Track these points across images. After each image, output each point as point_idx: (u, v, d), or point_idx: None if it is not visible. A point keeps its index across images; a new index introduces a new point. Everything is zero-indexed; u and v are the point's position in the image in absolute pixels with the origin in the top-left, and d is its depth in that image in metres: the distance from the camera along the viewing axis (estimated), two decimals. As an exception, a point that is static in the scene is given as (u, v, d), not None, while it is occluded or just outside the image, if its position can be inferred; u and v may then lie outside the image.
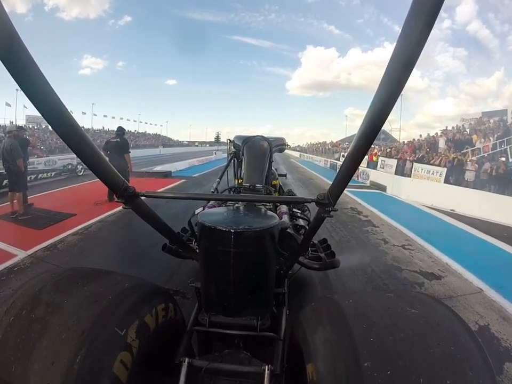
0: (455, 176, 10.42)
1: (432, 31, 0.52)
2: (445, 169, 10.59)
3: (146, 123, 59.17)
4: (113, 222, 5.22)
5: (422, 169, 11.54)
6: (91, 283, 1.09)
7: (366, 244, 4.55)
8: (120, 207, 5.86)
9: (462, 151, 12.65)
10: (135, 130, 50.96)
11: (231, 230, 1.20)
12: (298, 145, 53.32)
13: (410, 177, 11.44)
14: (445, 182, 9.98)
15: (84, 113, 42.22)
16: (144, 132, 53.36)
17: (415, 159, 13.17)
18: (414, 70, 0.60)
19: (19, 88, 0.63)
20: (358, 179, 13.42)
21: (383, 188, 10.73)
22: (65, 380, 0.80)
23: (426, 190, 8.91)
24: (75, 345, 0.86)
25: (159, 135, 57.95)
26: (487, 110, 18.28)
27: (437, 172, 10.69)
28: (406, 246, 4.48)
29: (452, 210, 7.46)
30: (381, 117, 0.66)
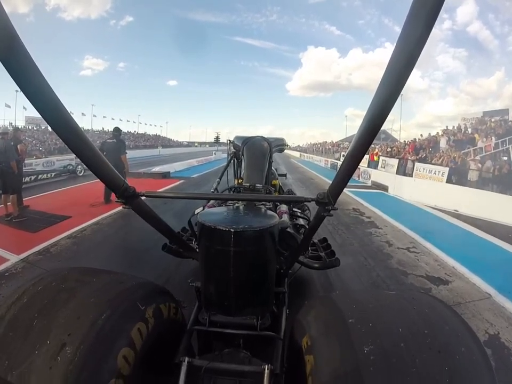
0: (457, 176, 10.29)
1: (432, 32, 0.53)
2: (447, 169, 10.44)
3: (146, 124, 59.11)
4: (108, 225, 5.10)
5: (424, 168, 11.40)
6: (91, 282, 1.09)
7: (370, 246, 4.43)
8: (116, 209, 5.86)
9: (463, 151, 12.53)
10: (135, 131, 50.84)
11: (231, 230, 1.20)
12: (299, 145, 53.35)
13: (412, 177, 11.32)
14: (447, 182, 9.84)
15: (83, 114, 42.09)
16: (144, 132, 53.20)
17: (417, 158, 13.05)
18: (415, 70, 0.60)
19: (18, 89, 0.63)
20: (359, 179, 13.29)
21: (385, 188, 10.61)
22: (65, 378, 0.81)
23: (428, 190, 8.78)
24: (76, 345, 0.86)
25: (159, 135, 57.82)
26: (487, 109, 18.16)
27: (439, 172, 10.55)
28: (411, 249, 4.34)
29: (455, 210, 7.33)
30: (380, 116, 0.66)
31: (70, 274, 1.13)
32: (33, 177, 9.09)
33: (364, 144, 0.75)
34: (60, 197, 7.28)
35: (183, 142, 67.86)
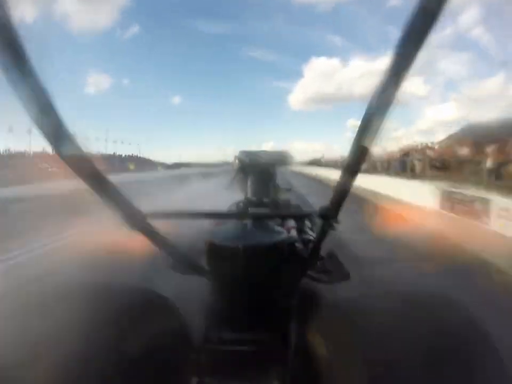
0: None
1: (433, 37, 0.52)
2: None
3: (147, 147, 57.29)
4: None
5: None
6: (91, 295, 1.06)
7: None
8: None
9: None
10: (136, 155, 49.53)
11: (239, 246, 1.21)
12: (313, 158, 50.94)
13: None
14: None
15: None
16: (147, 157, 51.63)
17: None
18: (416, 77, 0.35)
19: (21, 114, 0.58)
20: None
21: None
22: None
23: None
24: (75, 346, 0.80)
25: (162, 163, 56.08)
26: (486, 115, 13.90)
27: None
28: None
29: None
30: (377, 123, 0.66)
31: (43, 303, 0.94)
32: None
33: (360, 154, 0.75)
34: None
35: (186, 163, 66.41)
